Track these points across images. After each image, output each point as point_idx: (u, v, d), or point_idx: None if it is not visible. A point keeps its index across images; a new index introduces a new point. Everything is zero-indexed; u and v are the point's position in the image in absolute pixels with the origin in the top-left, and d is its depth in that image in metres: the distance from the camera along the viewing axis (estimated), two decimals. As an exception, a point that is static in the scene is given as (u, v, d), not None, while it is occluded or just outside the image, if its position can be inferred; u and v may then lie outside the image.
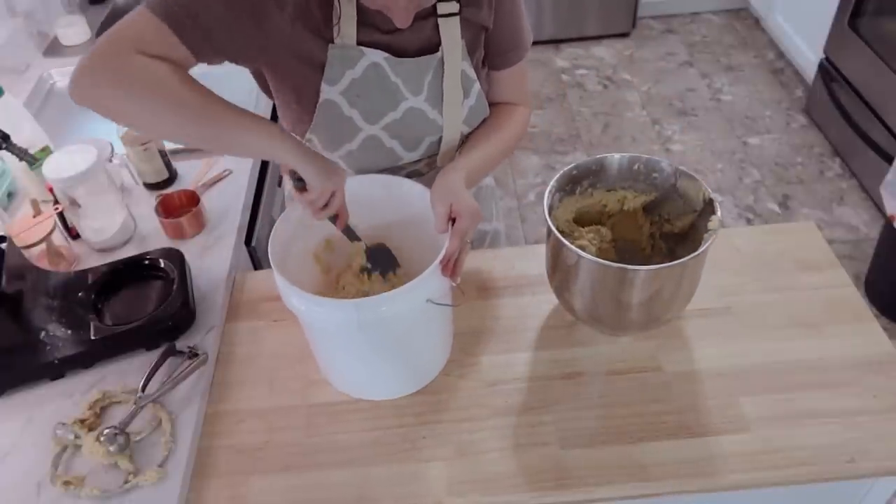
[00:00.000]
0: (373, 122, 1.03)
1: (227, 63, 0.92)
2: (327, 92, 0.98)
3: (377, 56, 0.97)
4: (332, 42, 0.94)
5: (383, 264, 1.05)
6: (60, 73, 1.76)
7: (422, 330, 0.96)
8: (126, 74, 0.81)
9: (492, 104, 1.11)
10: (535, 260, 1.18)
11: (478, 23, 1.00)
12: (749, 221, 2.57)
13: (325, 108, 1.00)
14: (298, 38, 0.93)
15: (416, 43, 0.98)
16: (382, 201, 1.03)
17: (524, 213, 2.65)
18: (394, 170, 1.10)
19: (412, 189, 1.00)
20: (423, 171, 1.15)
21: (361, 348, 0.92)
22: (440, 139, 1.08)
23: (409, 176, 1.15)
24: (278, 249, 0.92)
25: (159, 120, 0.84)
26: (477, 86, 1.05)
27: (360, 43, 0.95)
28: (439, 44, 0.99)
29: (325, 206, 0.93)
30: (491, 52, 1.06)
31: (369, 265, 1.05)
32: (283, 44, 0.93)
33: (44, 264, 1.17)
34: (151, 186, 1.36)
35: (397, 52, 0.98)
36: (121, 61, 0.81)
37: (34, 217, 1.20)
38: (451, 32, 0.98)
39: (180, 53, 0.84)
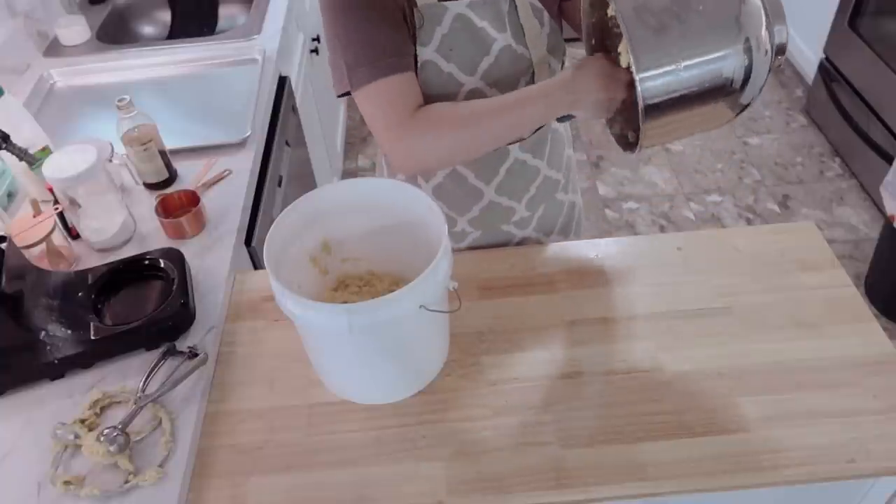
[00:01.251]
0: (471, 73, 1.04)
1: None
2: (423, 53, 1.01)
3: (460, 6, 1.00)
4: (416, 6, 0.98)
5: None
6: (60, 73, 1.76)
7: (416, 334, 0.95)
8: (425, 130, 0.96)
9: None
10: (535, 260, 1.19)
11: None
12: (749, 221, 2.57)
13: (425, 70, 1.02)
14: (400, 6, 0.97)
15: None
16: (381, 204, 1.03)
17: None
18: None
19: (411, 193, 1.00)
20: (525, 134, 1.14)
21: (355, 353, 0.92)
22: (532, 77, 1.08)
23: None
24: (274, 253, 0.92)
25: (478, 139, 0.97)
26: (546, 15, 1.06)
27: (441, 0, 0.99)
28: None
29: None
30: None
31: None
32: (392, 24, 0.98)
33: (44, 264, 1.17)
34: (151, 186, 1.36)
35: None
36: (416, 126, 0.96)
37: (34, 217, 1.20)
38: None
39: (410, 80, 0.97)
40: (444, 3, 1.00)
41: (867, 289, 2.24)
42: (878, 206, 2.53)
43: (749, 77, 0.81)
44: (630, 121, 0.97)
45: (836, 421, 0.93)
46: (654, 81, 0.79)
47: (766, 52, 0.83)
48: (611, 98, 0.93)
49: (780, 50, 0.85)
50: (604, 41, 1.00)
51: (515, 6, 1.03)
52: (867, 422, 0.93)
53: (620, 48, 0.91)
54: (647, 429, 0.94)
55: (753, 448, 0.91)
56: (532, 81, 1.08)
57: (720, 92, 0.81)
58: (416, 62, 1.01)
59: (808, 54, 3.00)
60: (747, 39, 0.80)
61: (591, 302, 1.11)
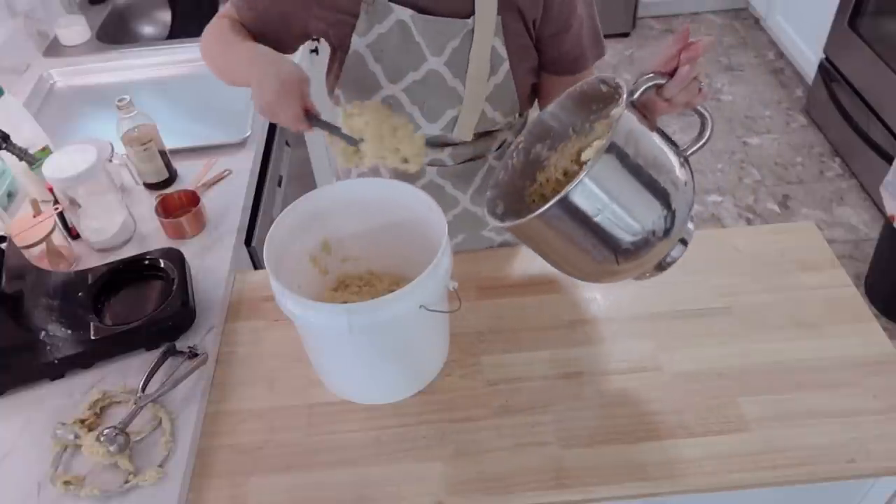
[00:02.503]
0: (394, 81, 1.05)
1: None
2: (356, 42, 1.02)
3: (404, 13, 1.00)
4: None
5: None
6: (60, 73, 1.76)
7: (416, 334, 0.95)
8: (207, 34, 1.10)
9: None
10: (535, 260, 1.18)
11: (517, 5, 1.00)
12: (749, 221, 2.57)
13: (352, 59, 1.04)
14: None
15: (448, 7, 1.00)
16: (381, 204, 1.03)
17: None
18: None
19: (411, 193, 1.00)
20: (447, 161, 1.15)
21: (355, 353, 0.92)
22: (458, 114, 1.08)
23: (430, 165, 1.16)
24: (274, 253, 0.92)
25: (219, 64, 1.08)
26: (507, 66, 1.05)
27: (392, 0, 0.99)
28: (473, 12, 1.00)
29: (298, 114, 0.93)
30: (547, 56, 1.07)
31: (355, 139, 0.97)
32: (325, 2, 1.01)
33: (44, 264, 1.17)
34: (151, 186, 1.36)
35: (427, 12, 0.99)
36: (209, 29, 1.11)
37: (34, 217, 1.20)
38: (486, 4, 0.99)
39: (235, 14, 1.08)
40: (392, 3, 0.99)
41: (867, 289, 2.24)
42: (878, 206, 2.53)
43: (633, 257, 0.82)
44: (510, 196, 0.95)
45: (836, 421, 0.93)
46: (591, 187, 0.77)
47: (655, 263, 0.86)
48: (263, 102, 0.92)
49: (663, 266, 0.88)
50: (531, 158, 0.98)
51: (470, 42, 1.01)
52: (867, 422, 0.93)
53: (586, 154, 0.90)
54: (647, 429, 0.94)
55: (753, 448, 0.91)
56: (460, 119, 1.07)
57: (609, 247, 0.81)
58: (347, 49, 1.04)
59: (808, 54, 3.00)
60: (660, 234, 0.81)
61: (590, 302, 1.11)
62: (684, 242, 0.87)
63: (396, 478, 0.91)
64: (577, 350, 1.05)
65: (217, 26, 1.08)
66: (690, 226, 0.87)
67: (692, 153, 0.84)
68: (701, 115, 0.84)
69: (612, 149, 0.77)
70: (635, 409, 0.97)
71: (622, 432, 0.94)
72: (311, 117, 0.94)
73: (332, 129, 0.95)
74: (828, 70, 2.77)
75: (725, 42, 3.48)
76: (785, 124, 2.98)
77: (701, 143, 0.85)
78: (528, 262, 1.18)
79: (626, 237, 0.79)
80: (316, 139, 2.18)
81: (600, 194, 0.77)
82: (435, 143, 1.14)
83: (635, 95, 0.82)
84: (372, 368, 0.96)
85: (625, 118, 0.78)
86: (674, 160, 0.82)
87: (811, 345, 1.03)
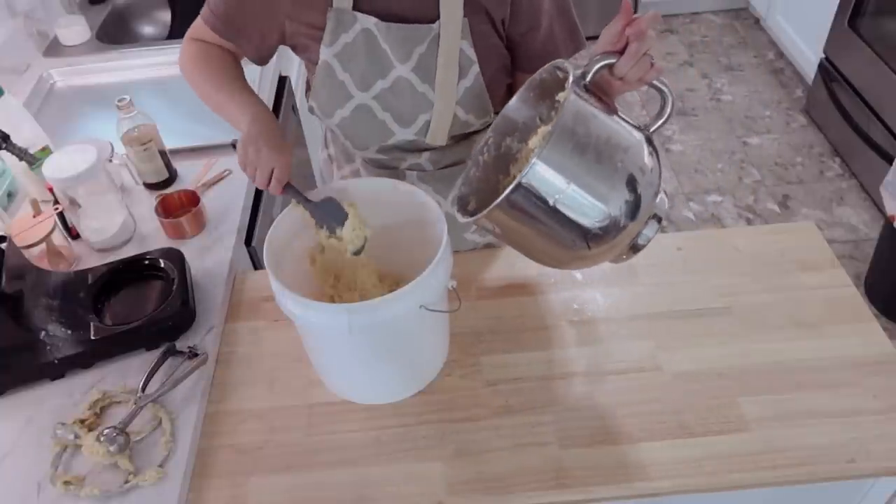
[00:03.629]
0: (364, 90, 1.05)
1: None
2: (324, 53, 1.03)
3: (368, 22, 0.99)
4: (331, 6, 0.99)
5: (330, 219, 1.00)
6: (60, 73, 1.76)
7: (416, 334, 0.95)
8: (185, 61, 1.13)
9: None
10: (535, 260, 1.18)
11: (483, 6, 0.99)
12: (749, 221, 2.57)
13: (322, 70, 1.05)
14: (305, 4, 1.01)
15: (413, 12, 0.99)
16: (380, 203, 1.02)
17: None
18: (391, 152, 1.13)
19: (410, 192, 1.00)
20: (427, 166, 1.14)
21: (355, 353, 0.92)
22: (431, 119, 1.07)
23: (410, 170, 1.16)
24: (274, 252, 0.92)
25: (203, 94, 1.12)
26: (476, 69, 1.04)
27: (356, 8, 0.99)
28: (438, 17, 0.99)
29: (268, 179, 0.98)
30: (520, 54, 1.07)
31: (318, 223, 1.00)
32: (291, 14, 1.02)
33: (44, 264, 1.16)
34: (151, 186, 1.36)
35: (392, 18, 0.99)
36: (185, 53, 1.14)
37: (34, 217, 1.20)
38: (451, 7, 0.98)
39: (214, 39, 1.11)
40: (356, 12, 0.99)
41: (867, 289, 2.24)
42: (878, 206, 2.53)
43: (602, 240, 0.82)
44: (483, 192, 0.95)
45: (836, 421, 0.93)
46: (543, 172, 0.77)
47: (628, 243, 0.86)
48: (244, 159, 0.99)
49: (636, 248, 0.87)
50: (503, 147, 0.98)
51: (437, 48, 1.01)
52: (867, 422, 0.93)
53: (532, 141, 0.90)
54: (647, 429, 0.94)
55: (753, 448, 0.91)
56: (433, 124, 1.07)
57: (575, 232, 0.81)
58: (317, 61, 1.05)
59: (808, 54, 3.00)
60: (626, 214, 0.81)
61: (591, 302, 1.11)
62: (658, 220, 0.86)
63: (396, 478, 0.91)
64: (577, 350, 1.05)
65: (197, 54, 1.11)
66: (662, 201, 0.86)
67: (655, 129, 0.84)
68: (659, 91, 0.83)
69: (561, 131, 0.77)
70: (635, 409, 0.97)
71: (622, 432, 0.94)
72: (287, 186, 0.99)
73: (300, 199, 0.99)
74: (828, 70, 2.77)
75: (725, 42, 3.48)
76: (785, 124, 2.98)
77: (663, 118, 0.84)
78: (527, 262, 1.18)
79: (591, 219, 0.80)
80: (316, 139, 2.18)
81: (554, 178, 0.77)
82: (412, 149, 1.14)
83: (588, 77, 0.82)
84: (372, 368, 0.96)
85: (571, 101, 0.78)
86: (633, 138, 0.82)
87: (811, 345, 1.03)
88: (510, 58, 1.08)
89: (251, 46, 1.10)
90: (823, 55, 2.80)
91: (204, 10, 1.09)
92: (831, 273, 1.13)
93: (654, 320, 1.08)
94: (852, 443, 0.91)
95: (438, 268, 0.88)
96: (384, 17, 0.99)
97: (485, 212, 0.81)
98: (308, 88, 1.14)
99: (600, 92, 0.84)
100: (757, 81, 3.22)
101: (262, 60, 1.13)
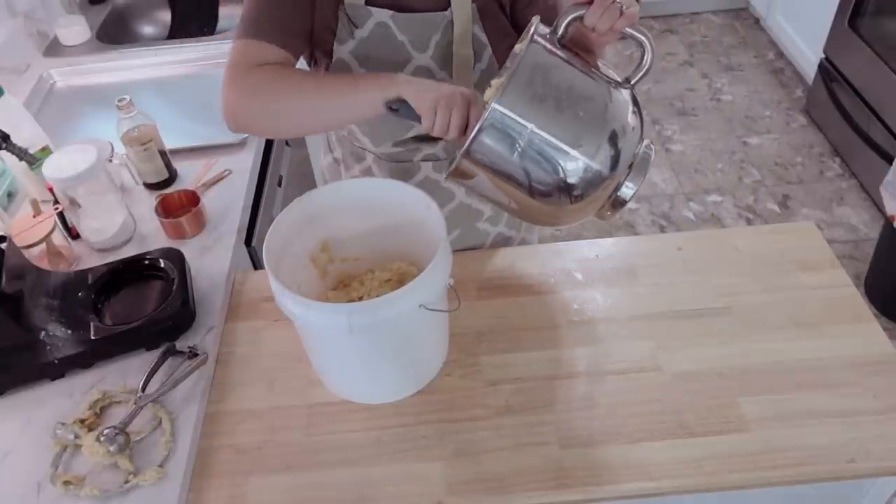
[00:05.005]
0: None
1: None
2: (338, 51, 1.02)
3: (383, 15, 0.99)
4: (343, 4, 0.99)
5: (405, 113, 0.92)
6: (60, 73, 1.76)
7: (416, 334, 0.95)
8: (249, 87, 0.94)
9: None
10: (535, 260, 1.19)
11: None
12: (749, 221, 2.57)
13: (337, 68, 1.03)
14: (321, 3, 0.99)
15: (424, 1, 1.00)
16: (380, 204, 1.03)
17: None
18: (408, 144, 1.11)
19: (411, 193, 1.00)
20: (441, 155, 1.14)
21: (355, 353, 0.92)
22: None
23: (425, 160, 1.16)
24: (274, 253, 0.92)
25: (294, 114, 0.94)
26: (489, 51, 1.05)
27: (368, 3, 0.99)
28: (449, 4, 1.00)
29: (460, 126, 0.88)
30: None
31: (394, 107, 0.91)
32: (316, 13, 1.00)
33: (44, 264, 1.16)
34: (151, 186, 1.36)
35: (405, 9, 1.00)
36: (244, 84, 0.94)
37: (34, 217, 1.20)
38: None
39: (276, 53, 0.96)
40: (370, 7, 1.00)
41: (867, 289, 2.24)
42: (878, 206, 2.53)
43: (571, 192, 0.82)
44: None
45: (836, 421, 0.93)
46: (502, 115, 0.78)
47: (605, 197, 0.85)
48: (437, 94, 0.87)
49: (617, 202, 0.85)
50: None
51: (451, 34, 1.02)
52: (867, 422, 0.93)
53: (494, 81, 0.89)
54: (647, 429, 0.94)
55: (753, 448, 0.91)
56: None
57: (544, 182, 0.81)
58: (331, 57, 1.03)
59: (808, 54, 3.00)
60: (598, 163, 0.81)
61: (590, 302, 1.11)
62: (641, 174, 0.84)
63: (396, 478, 0.91)
64: (577, 350, 1.05)
65: (264, 76, 0.94)
66: (645, 150, 0.85)
67: (637, 81, 0.84)
68: (636, 39, 0.83)
69: (517, 79, 0.78)
70: (635, 409, 0.97)
71: (622, 432, 0.94)
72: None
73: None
74: (828, 70, 2.77)
75: (725, 42, 3.49)
76: (785, 124, 2.98)
77: (644, 69, 0.84)
78: (528, 262, 1.18)
79: (558, 168, 0.80)
80: (316, 139, 2.17)
81: (514, 124, 0.79)
82: (429, 138, 1.14)
83: (559, 31, 0.83)
84: (372, 368, 0.96)
85: (530, 51, 0.79)
86: (604, 90, 0.82)
87: (811, 345, 1.03)
88: (516, 36, 1.09)
89: (300, 42, 1.00)
90: (823, 55, 2.80)
91: (244, 28, 0.97)
92: (831, 273, 1.13)
93: (654, 320, 1.08)
94: (852, 443, 0.91)
95: (438, 267, 0.88)
96: (399, 8, 1.00)
97: (453, 164, 0.83)
98: None
99: (580, 49, 0.85)
100: (757, 81, 3.22)
101: (309, 56, 1.07)
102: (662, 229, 2.55)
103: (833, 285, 1.11)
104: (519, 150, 0.80)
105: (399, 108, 0.89)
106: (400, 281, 1.07)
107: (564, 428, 0.95)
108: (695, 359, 1.02)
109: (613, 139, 0.81)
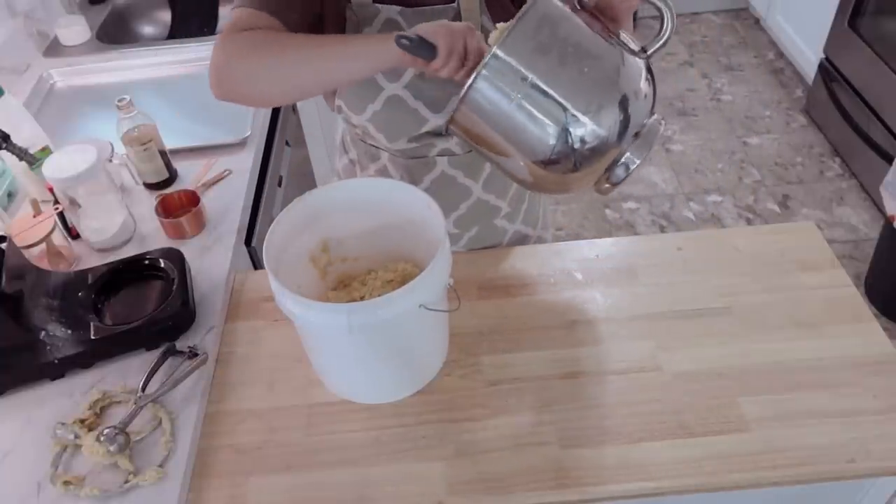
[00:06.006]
0: (394, 80, 1.04)
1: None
2: None
3: (391, 11, 0.99)
4: (350, 3, 0.98)
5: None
6: (60, 73, 1.76)
7: (416, 334, 0.95)
8: (240, 46, 0.90)
9: None
10: (535, 260, 1.19)
11: None
12: (749, 221, 2.57)
13: None
14: (328, 1, 0.98)
15: None
16: (380, 204, 1.03)
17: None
18: (422, 139, 1.11)
19: (411, 193, 1.00)
20: (457, 150, 1.14)
21: (355, 353, 0.92)
22: None
23: (440, 155, 1.15)
24: (274, 253, 0.92)
25: (290, 71, 0.91)
26: None
27: (375, 0, 0.99)
28: None
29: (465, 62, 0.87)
30: None
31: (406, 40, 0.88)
32: (325, 10, 0.98)
33: (44, 264, 1.17)
34: (151, 186, 1.36)
35: (412, 4, 1.00)
36: (235, 44, 0.91)
37: (34, 217, 1.20)
38: None
39: (274, 25, 0.93)
40: (378, 4, 1.00)
41: (867, 289, 2.24)
42: (878, 206, 2.53)
43: (564, 154, 0.79)
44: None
45: (836, 421, 0.93)
46: (501, 64, 0.76)
47: (604, 166, 0.82)
48: (449, 27, 0.86)
49: (613, 179, 0.83)
50: None
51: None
52: (867, 422, 0.93)
53: (500, 25, 0.86)
54: (647, 429, 0.94)
55: (753, 448, 0.91)
56: None
57: (543, 140, 0.78)
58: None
59: (808, 54, 3.00)
60: (597, 125, 0.78)
61: (590, 302, 1.11)
62: (647, 147, 0.82)
63: (396, 478, 0.91)
64: (577, 350, 1.05)
65: (256, 36, 0.91)
66: (654, 123, 0.82)
67: (655, 51, 0.83)
68: (655, 5, 0.82)
69: (522, 27, 0.77)
70: (635, 409, 0.97)
71: (622, 432, 0.94)
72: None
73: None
74: (828, 70, 2.77)
75: (725, 42, 3.49)
76: (785, 124, 2.98)
77: (663, 39, 0.82)
78: (528, 262, 1.18)
79: (556, 126, 0.78)
80: (316, 139, 2.17)
81: (513, 74, 0.77)
82: (443, 133, 1.14)
83: None
84: (372, 368, 0.96)
85: (540, 2, 0.78)
86: (616, 52, 0.80)
87: (811, 345, 1.03)
88: None
89: (301, 24, 0.97)
90: (823, 55, 2.80)
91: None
92: (831, 273, 1.13)
93: (654, 320, 1.08)
94: (852, 443, 0.91)
95: (438, 267, 0.88)
96: (406, 3, 1.00)
97: (453, 111, 0.81)
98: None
99: (605, 18, 0.84)
100: (757, 81, 3.22)
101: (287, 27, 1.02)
102: (662, 229, 2.55)
103: (833, 285, 1.11)
104: (517, 100, 0.77)
105: (412, 40, 0.86)
106: (403, 282, 1.07)
107: (564, 428, 0.95)
108: (695, 359, 1.02)
109: (620, 103, 0.79)
